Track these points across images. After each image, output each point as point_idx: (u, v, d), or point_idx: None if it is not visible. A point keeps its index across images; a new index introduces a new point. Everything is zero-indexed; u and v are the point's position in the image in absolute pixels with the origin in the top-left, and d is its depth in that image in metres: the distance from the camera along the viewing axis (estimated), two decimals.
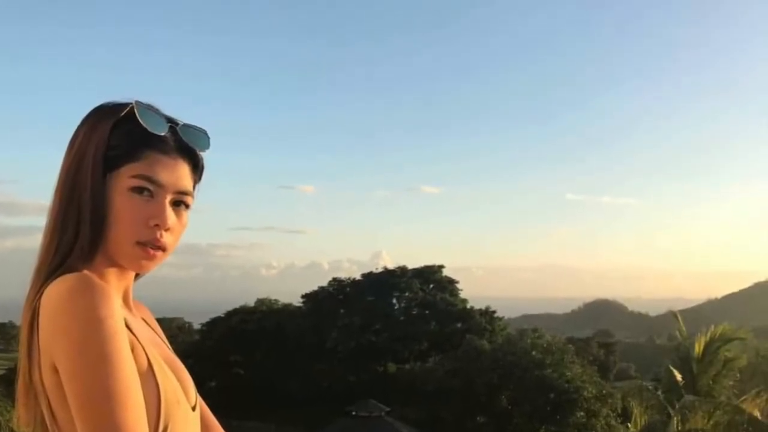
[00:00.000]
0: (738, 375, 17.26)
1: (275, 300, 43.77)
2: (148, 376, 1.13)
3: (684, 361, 16.43)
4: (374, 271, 42.74)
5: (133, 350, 1.11)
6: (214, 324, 42.27)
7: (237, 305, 42.84)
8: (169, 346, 1.36)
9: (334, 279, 43.04)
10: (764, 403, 15.03)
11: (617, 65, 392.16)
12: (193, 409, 1.26)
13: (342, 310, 40.45)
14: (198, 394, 1.32)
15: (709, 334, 16.21)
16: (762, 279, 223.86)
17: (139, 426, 1.04)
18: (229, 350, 39.82)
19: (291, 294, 46.29)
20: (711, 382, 16.20)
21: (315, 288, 42.53)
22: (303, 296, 42.67)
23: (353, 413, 29.76)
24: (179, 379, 1.23)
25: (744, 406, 14.63)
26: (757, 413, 14.52)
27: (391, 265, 43.46)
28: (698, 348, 16.07)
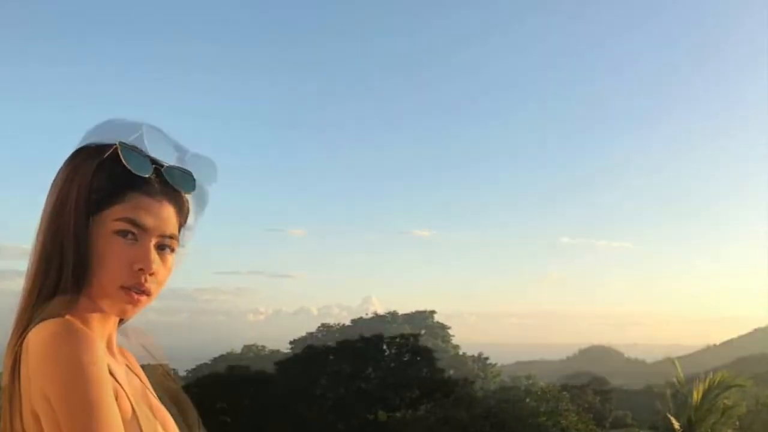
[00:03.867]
0: (737, 423, 16.78)
1: (262, 346, 43.16)
2: (133, 424, 1.11)
3: (682, 409, 15.99)
4: (364, 316, 42.35)
5: (116, 398, 1.08)
6: (200, 370, 41.63)
7: (224, 351, 42.06)
8: (155, 394, 1.32)
9: (323, 325, 42.66)
10: None
11: (613, 106, 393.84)
12: None
13: (331, 357, 39.90)
14: None
15: (707, 381, 15.79)
16: (762, 325, 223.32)
17: None
18: (216, 397, 39.02)
19: (279, 340, 45.70)
20: (710, 431, 15.71)
21: (303, 334, 42.10)
22: (291, 342, 41.95)
23: None
24: (165, 428, 1.20)
25: None
26: None
27: (381, 311, 43.19)
28: (696, 395, 15.65)
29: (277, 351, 42.70)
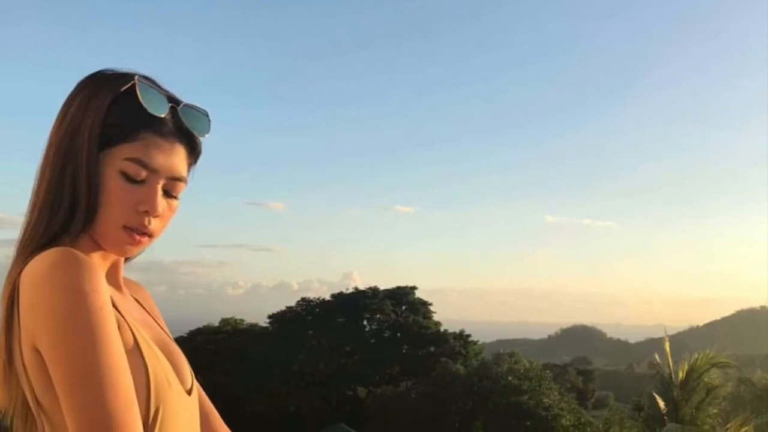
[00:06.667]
0: (722, 403, 16.37)
1: (240, 320, 42.37)
2: (135, 355, 1.08)
3: (666, 388, 15.54)
4: (344, 291, 41.56)
5: (118, 328, 1.06)
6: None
7: (201, 325, 41.37)
8: (167, 330, 1.31)
9: (303, 299, 41.77)
10: (751, 431, 14.14)
11: (600, 87, 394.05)
12: (189, 393, 1.20)
13: (310, 332, 39.23)
14: (195, 380, 1.26)
15: (692, 361, 15.37)
16: (745, 306, 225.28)
17: (129, 408, 1.00)
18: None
19: (257, 314, 44.87)
20: (694, 410, 15.29)
21: (283, 308, 41.34)
22: (270, 316, 41.32)
23: None
24: (172, 362, 1.18)
25: None
26: None
27: (362, 286, 42.22)
28: (681, 375, 15.22)
29: (256, 325, 41.93)
